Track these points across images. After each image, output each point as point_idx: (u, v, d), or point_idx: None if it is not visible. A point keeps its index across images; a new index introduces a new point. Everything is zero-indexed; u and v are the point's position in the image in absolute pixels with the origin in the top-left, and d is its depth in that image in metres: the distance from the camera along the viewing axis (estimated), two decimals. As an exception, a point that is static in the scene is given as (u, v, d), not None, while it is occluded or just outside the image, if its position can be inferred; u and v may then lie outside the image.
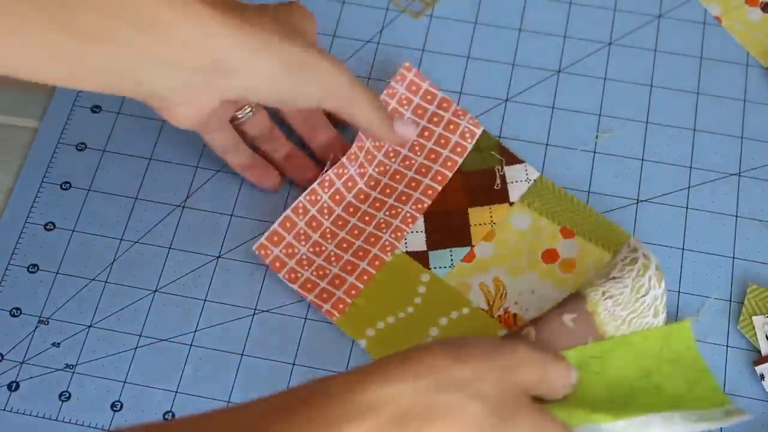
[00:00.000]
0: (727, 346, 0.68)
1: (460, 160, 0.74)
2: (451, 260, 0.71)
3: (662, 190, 0.73)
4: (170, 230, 0.72)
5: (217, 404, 0.66)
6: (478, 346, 0.53)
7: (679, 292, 0.70)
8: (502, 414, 0.51)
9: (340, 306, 0.68)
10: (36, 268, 0.71)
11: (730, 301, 0.69)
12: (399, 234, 0.71)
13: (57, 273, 0.71)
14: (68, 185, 0.74)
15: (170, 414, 0.66)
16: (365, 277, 0.69)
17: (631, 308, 0.63)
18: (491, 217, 0.72)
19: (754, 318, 0.68)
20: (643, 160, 0.74)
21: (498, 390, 0.51)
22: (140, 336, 0.69)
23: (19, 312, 0.70)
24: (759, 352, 0.67)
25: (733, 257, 0.71)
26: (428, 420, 0.49)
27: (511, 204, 0.72)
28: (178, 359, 0.68)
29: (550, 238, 0.71)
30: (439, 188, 0.73)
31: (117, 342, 0.69)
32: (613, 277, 0.63)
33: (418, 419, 0.49)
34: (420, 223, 0.72)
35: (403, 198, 0.72)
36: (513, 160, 0.74)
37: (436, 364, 0.51)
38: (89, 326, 0.69)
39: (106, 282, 0.71)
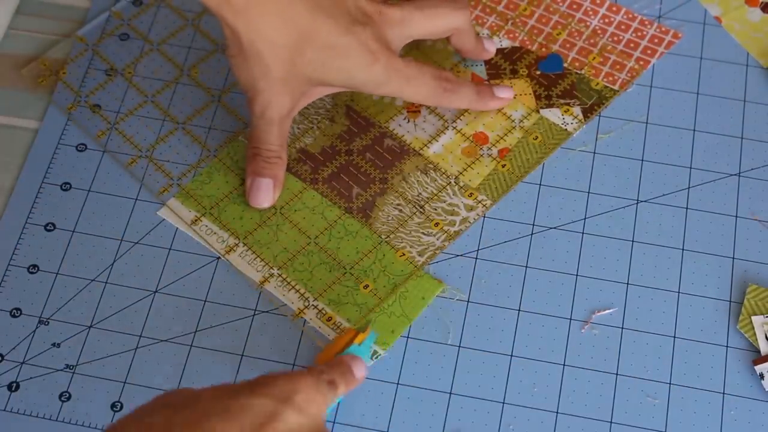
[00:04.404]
0: (727, 346, 0.68)
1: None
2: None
3: (662, 190, 0.73)
4: (170, 231, 0.72)
5: (217, 404, 0.66)
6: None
7: (679, 292, 0.70)
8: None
9: None
10: (36, 268, 0.71)
11: (730, 301, 0.69)
12: None
13: (57, 273, 0.71)
14: (68, 185, 0.74)
15: (170, 414, 0.66)
16: None
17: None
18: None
19: (753, 318, 0.68)
20: (643, 160, 0.74)
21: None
22: (140, 336, 0.69)
23: (19, 312, 0.70)
24: (759, 352, 0.67)
25: (733, 257, 0.71)
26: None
27: None
28: (178, 359, 0.68)
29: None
30: None
31: (117, 342, 0.69)
32: None
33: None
34: None
35: None
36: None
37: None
38: (89, 326, 0.69)
39: (106, 282, 0.71)
